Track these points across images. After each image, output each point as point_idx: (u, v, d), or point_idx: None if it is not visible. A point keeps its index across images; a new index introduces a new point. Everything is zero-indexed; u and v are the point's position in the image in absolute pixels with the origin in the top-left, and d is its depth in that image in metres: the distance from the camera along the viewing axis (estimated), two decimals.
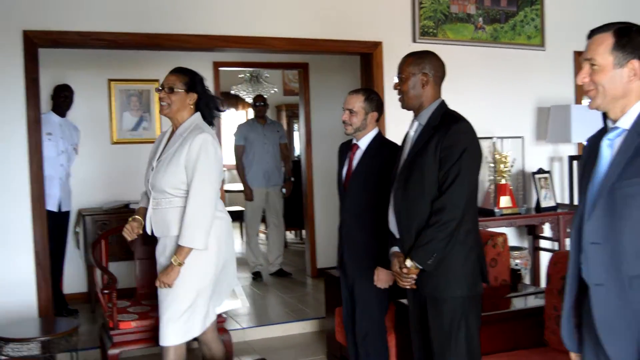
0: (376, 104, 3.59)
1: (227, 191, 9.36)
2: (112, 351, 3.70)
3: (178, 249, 3.21)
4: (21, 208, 4.38)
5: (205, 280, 3.32)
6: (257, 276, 7.09)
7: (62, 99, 5.65)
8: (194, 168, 3.21)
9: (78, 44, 4.68)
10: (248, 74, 9.90)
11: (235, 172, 7.66)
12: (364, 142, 3.58)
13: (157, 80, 6.59)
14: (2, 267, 4.45)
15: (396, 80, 3.02)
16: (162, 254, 3.38)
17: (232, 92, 10.21)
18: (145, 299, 4.13)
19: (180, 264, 3.20)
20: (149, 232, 3.42)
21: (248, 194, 6.97)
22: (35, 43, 4.44)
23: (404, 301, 3.33)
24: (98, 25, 4.56)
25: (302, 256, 7.63)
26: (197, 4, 4.81)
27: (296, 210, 7.71)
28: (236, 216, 8.36)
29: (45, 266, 4.50)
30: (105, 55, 6.16)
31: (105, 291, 3.76)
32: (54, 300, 5.18)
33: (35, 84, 4.48)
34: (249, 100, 9.62)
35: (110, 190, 6.42)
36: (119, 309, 3.89)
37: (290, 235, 9.58)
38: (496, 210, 5.25)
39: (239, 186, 7.27)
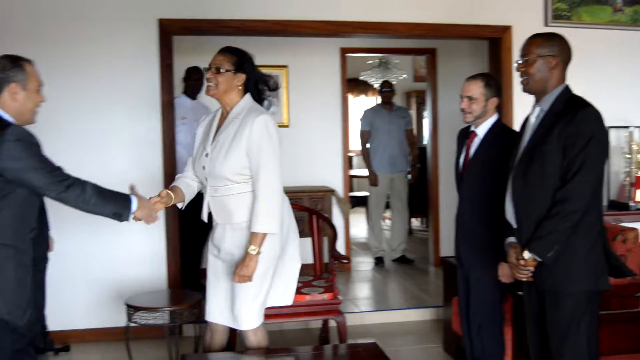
0: (496, 89, 3.48)
1: (352, 176, 9.44)
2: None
3: (253, 237, 3.10)
4: (154, 188, 4.62)
5: (273, 261, 3.26)
6: (379, 261, 7.11)
7: (194, 81, 5.77)
8: (258, 152, 3.08)
9: (208, 31, 4.89)
10: (377, 60, 9.88)
11: (361, 157, 7.69)
12: (482, 130, 3.48)
13: (285, 66, 6.76)
14: (137, 241, 4.78)
15: (520, 61, 2.90)
16: (222, 240, 3.29)
17: (361, 78, 10.25)
18: None
19: (259, 252, 3.11)
20: (204, 218, 3.33)
21: (372, 179, 6.99)
22: (169, 31, 4.68)
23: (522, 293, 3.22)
24: (227, 12, 4.74)
25: (426, 244, 7.55)
26: None
27: (422, 196, 7.64)
28: (361, 201, 8.42)
29: (174, 241, 4.77)
30: (236, 41, 6.34)
31: None
32: (193, 274, 5.51)
33: (169, 70, 4.73)
34: (378, 86, 9.61)
35: None
36: None
37: (415, 223, 9.51)
38: (631, 204, 4.96)
39: (365, 171, 7.30)
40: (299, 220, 6.06)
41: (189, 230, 5.40)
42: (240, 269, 3.12)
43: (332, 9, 4.90)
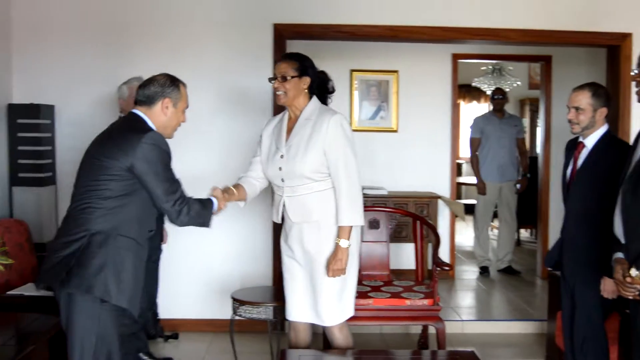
0: (605, 99, 3.36)
1: (461, 184, 9.34)
2: None
3: (341, 231, 3.25)
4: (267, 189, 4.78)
5: (355, 256, 3.37)
6: (484, 271, 7.00)
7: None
8: (336, 149, 3.23)
9: (321, 36, 5.02)
10: (490, 67, 9.71)
11: (470, 164, 7.60)
12: (590, 141, 3.38)
13: (396, 71, 6.80)
14: (245, 238, 4.98)
15: (636, 71, 2.80)
16: (298, 240, 3.36)
17: (474, 84, 10.11)
18: (367, 279, 4.32)
19: (349, 245, 3.26)
20: (277, 220, 3.44)
21: (481, 187, 6.89)
22: (284, 35, 4.84)
23: None
24: (340, 18, 4.84)
25: (534, 256, 7.36)
26: None
27: (531, 207, 7.45)
28: (468, 209, 8.31)
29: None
30: (347, 46, 6.47)
31: None
32: None
33: None
34: (490, 93, 9.45)
35: None
36: None
37: (524, 233, 9.27)
38: None
39: (473, 179, 7.21)
40: (403, 225, 6.15)
41: None
42: (334, 264, 3.25)
43: (444, 15, 4.90)
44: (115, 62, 4.85)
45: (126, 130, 2.84)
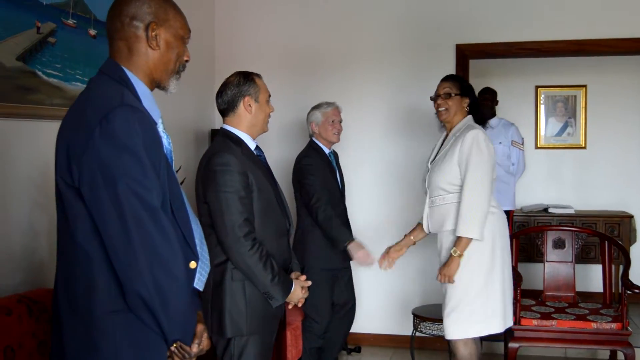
0: None
1: None
2: (512, 344, 3.92)
3: (457, 241, 3.30)
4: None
5: (481, 275, 3.32)
6: None
7: (482, 101, 5.88)
8: (467, 162, 3.30)
9: (504, 54, 5.00)
10: None
11: None
12: None
13: (584, 86, 6.57)
14: (424, 255, 5.04)
15: None
16: (439, 249, 3.50)
17: None
18: (551, 300, 4.24)
19: (460, 255, 3.27)
20: (426, 230, 3.60)
21: None
22: (466, 55, 4.89)
23: None
24: (523, 35, 4.80)
25: None
26: (624, 6, 4.67)
27: None
28: None
29: None
30: (531, 62, 6.36)
31: None
32: None
33: None
34: None
35: (529, 193, 6.61)
36: (523, 306, 4.07)
37: None
38: None
39: None
40: (591, 246, 5.91)
41: None
42: (443, 268, 3.34)
43: (634, 26, 4.67)
44: (299, 88, 5.14)
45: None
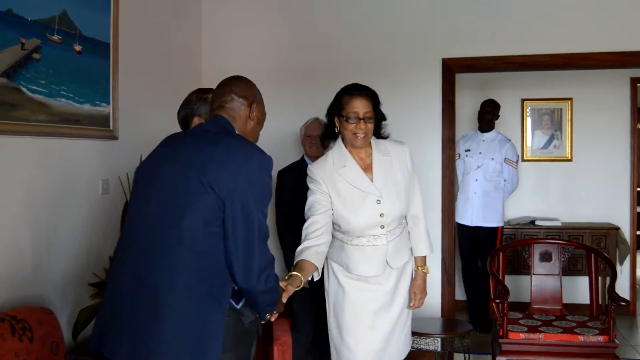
0: None
1: None
2: (500, 358, 3.91)
3: (424, 260, 3.20)
4: (433, 219, 4.83)
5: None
6: None
7: (482, 114, 5.96)
8: (416, 179, 3.21)
9: (490, 68, 5.03)
10: None
11: None
12: None
13: (570, 99, 6.62)
14: None
15: None
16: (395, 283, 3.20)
17: None
18: (538, 313, 4.24)
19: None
20: (378, 272, 3.24)
21: None
22: (452, 69, 4.91)
23: None
24: (509, 49, 4.82)
25: None
26: (610, 20, 4.71)
27: None
28: None
29: (450, 272, 4.93)
30: (517, 75, 6.40)
31: (497, 301, 3.97)
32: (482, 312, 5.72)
33: (450, 106, 4.94)
34: None
35: (517, 206, 6.64)
36: (510, 319, 4.07)
37: None
38: None
39: None
40: (578, 258, 5.92)
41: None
42: (421, 292, 3.21)
43: (620, 40, 4.71)
44: (287, 102, 5.11)
45: None
